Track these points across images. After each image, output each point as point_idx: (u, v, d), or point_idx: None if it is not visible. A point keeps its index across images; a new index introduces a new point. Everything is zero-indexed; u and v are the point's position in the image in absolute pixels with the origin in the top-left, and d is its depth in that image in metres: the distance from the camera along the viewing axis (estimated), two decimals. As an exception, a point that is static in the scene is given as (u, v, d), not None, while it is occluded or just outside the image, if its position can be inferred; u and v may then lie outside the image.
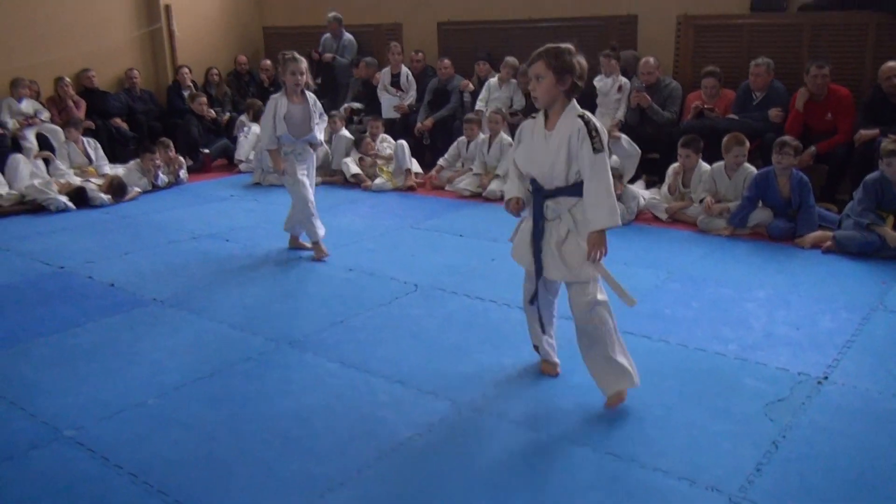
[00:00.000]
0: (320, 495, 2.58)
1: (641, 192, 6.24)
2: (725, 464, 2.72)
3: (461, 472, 2.70)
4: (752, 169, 5.77)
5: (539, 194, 3.12)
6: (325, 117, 5.56)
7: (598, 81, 7.29)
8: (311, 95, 5.25)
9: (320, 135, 5.32)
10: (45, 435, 2.98)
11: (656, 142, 6.88)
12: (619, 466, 2.72)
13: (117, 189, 7.13)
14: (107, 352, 3.77)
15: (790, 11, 6.80)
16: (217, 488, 2.63)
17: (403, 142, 7.54)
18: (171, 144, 7.89)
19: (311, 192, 5.21)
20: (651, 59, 7.03)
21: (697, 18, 7.25)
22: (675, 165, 6.23)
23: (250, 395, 3.30)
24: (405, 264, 5.09)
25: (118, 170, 7.65)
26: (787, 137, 5.55)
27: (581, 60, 2.96)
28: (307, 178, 5.23)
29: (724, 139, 5.85)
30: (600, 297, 3.11)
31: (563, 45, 2.99)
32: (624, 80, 7.24)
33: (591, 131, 2.92)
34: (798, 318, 4.07)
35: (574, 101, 3.02)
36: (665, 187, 6.27)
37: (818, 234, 5.33)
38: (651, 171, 6.89)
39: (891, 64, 5.90)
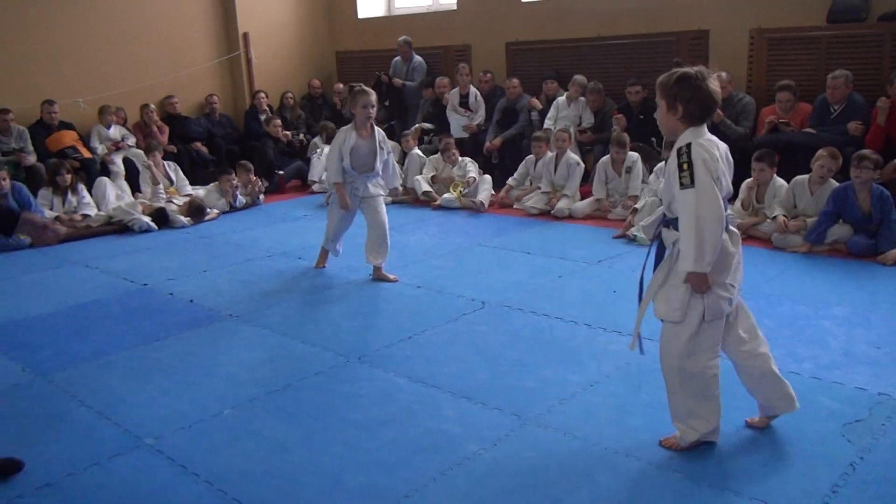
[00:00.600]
0: (387, 506, 2.62)
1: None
2: (800, 485, 2.65)
3: (526, 487, 2.71)
4: (835, 184, 5.60)
5: (664, 221, 2.89)
6: (392, 154, 5.56)
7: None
8: (379, 131, 5.22)
9: (397, 181, 5.24)
10: (127, 443, 3.13)
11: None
12: (690, 486, 2.68)
13: (196, 211, 7.43)
14: (186, 365, 3.93)
15: (869, 21, 6.59)
16: (288, 498, 2.71)
17: (488, 177, 7.62)
18: (251, 167, 8.18)
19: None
20: (723, 74, 6.91)
21: (771, 31, 7.10)
22: (748, 181, 6.09)
23: (321, 407, 3.39)
24: (472, 282, 5.13)
25: (198, 192, 7.97)
26: (866, 150, 5.38)
27: (704, 85, 2.65)
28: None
29: (819, 152, 5.66)
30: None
31: (680, 71, 2.70)
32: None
33: (683, 164, 2.62)
34: (879, 336, 3.92)
35: (697, 128, 2.69)
36: (738, 203, 6.13)
37: (901, 250, 5.13)
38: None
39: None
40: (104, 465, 2.96)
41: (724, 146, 2.76)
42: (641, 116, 7.48)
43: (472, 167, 7.74)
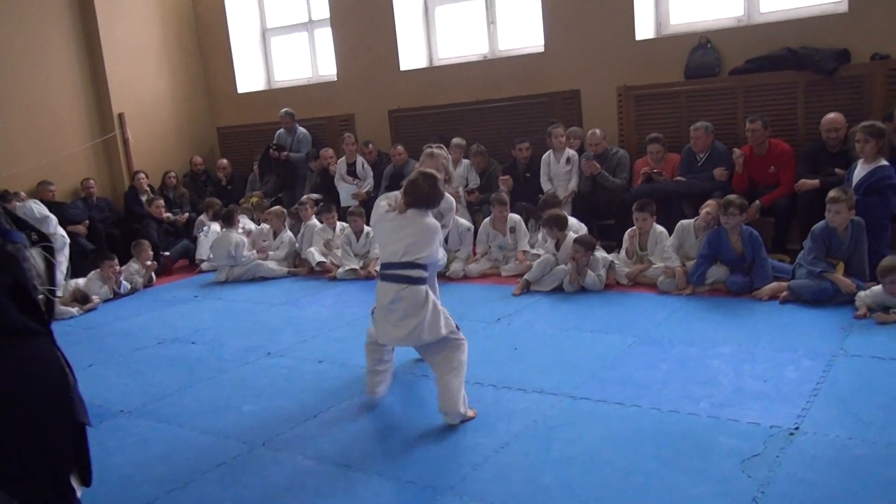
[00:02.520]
0: None
1: (606, 256, 6.33)
2: (709, 526, 2.73)
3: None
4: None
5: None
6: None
7: (547, 157, 7.55)
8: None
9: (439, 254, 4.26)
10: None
11: (610, 208, 7.08)
12: (604, 540, 2.72)
13: (82, 298, 7.07)
14: (76, 471, 3.67)
15: (722, 76, 7.15)
16: None
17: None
18: (148, 244, 7.90)
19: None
20: (597, 131, 7.30)
21: (636, 88, 7.57)
22: (631, 229, 6.39)
23: (226, 503, 3.24)
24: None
25: (79, 281, 7.58)
26: (731, 197, 5.76)
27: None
28: None
29: (708, 200, 5.99)
30: None
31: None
32: (571, 152, 7.49)
33: None
34: (764, 370, 4.15)
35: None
36: (623, 252, 6.41)
37: (774, 285, 5.48)
38: (607, 237, 7.06)
39: (830, 116, 6.20)
40: None
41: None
42: (528, 175, 7.75)
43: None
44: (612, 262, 6.24)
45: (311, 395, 4.40)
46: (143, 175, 9.51)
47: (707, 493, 2.96)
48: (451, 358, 3.82)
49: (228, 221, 7.95)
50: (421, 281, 3.76)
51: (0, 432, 1.76)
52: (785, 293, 5.33)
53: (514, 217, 7.12)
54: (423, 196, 3.82)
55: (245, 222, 8.45)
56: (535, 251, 6.80)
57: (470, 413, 3.80)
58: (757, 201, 6.33)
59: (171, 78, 10.36)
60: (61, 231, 6.32)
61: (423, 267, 3.77)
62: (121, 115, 9.71)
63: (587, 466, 3.25)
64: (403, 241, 3.78)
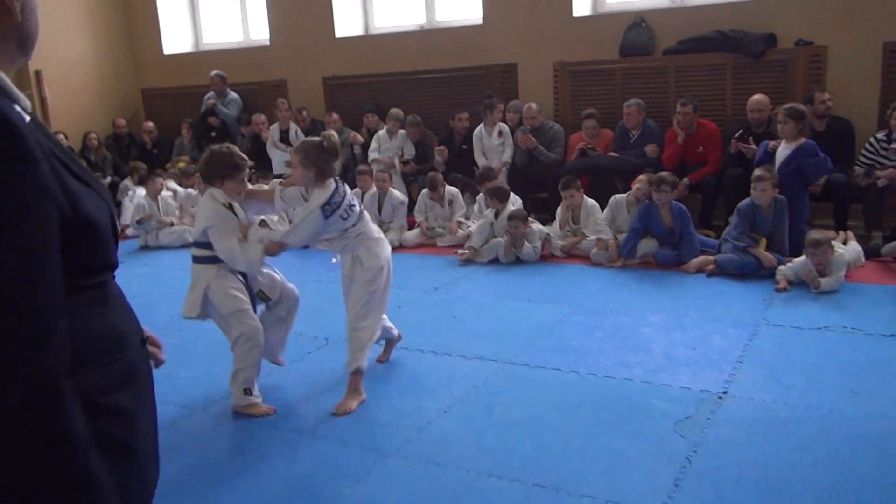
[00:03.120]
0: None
1: (542, 229, 6.43)
2: (646, 483, 2.86)
3: None
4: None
5: None
6: None
7: (479, 131, 7.60)
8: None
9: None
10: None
11: (545, 182, 7.19)
12: (548, 497, 2.80)
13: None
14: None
15: (655, 55, 7.32)
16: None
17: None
18: None
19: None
20: (533, 105, 7.38)
21: (572, 65, 7.68)
22: (563, 203, 6.52)
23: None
24: (313, 318, 5.03)
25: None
26: (663, 174, 5.93)
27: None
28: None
29: (640, 176, 6.13)
30: None
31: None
32: (503, 126, 7.55)
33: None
34: (693, 339, 4.33)
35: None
36: (556, 224, 6.53)
37: (701, 259, 5.70)
38: (542, 210, 7.19)
39: (756, 98, 6.45)
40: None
41: None
42: (464, 147, 7.77)
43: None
44: (547, 234, 6.36)
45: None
46: (62, 136, 9.08)
47: (643, 452, 3.09)
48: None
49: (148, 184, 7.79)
50: (200, 259, 3.67)
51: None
52: (711, 267, 5.55)
53: (452, 190, 7.16)
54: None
55: (172, 185, 8.21)
56: (468, 223, 6.87)
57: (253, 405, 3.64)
58: (685, 179, 6.55)
59: (93, 36, 9.91)
60: None
61: (200, 245, 3.67)
62: (38, 73, 9.25)
63: (529, 429, 3.33)
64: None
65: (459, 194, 7.15)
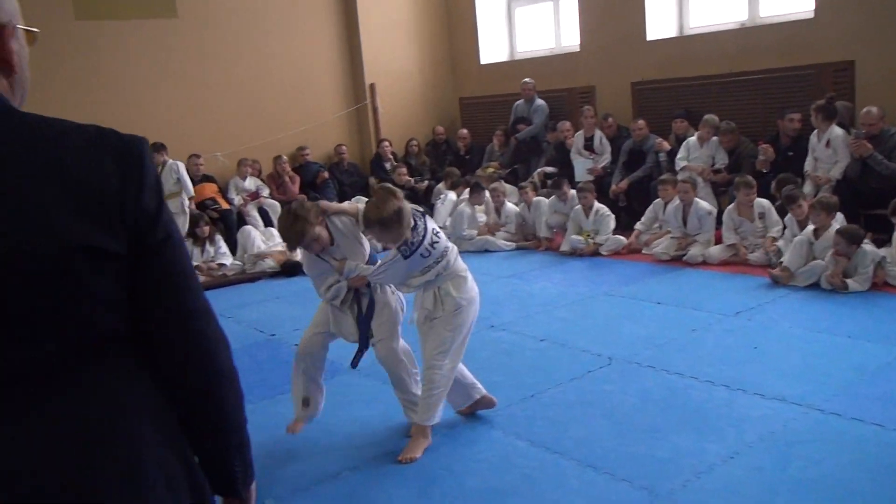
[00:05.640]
0: (506, 590, 2.45)
1: (876, 251, 5.55)
2: None
3: (659, 575, 2.47)
4: None
5: None
6: None
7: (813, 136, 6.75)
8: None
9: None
10: None
11: (882, 196, 6.17)
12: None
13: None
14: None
15: None
16: (402, 573, 2.59)
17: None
18: None
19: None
20: (873, 109, 6.38)
21: (928, 59, 6.51)
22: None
23: (438, 472, 3.27)
24: (599, 335, 4.90)
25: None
26: None
27: None
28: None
29: None
30: None
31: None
32: (838, 130, 6.61)
33: None
34: None
35: None
36: (894, 249, 5.58)
37: None
38: (877, 229, 6.18)
39: None
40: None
41: None
42: (791, 153, 7.00)
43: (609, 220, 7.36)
44: (882, 258, 5.45)
45: (529, 373, 4.33)
46: (387, 143, 9.99)
47: None
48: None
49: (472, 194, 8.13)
50: None
51: None
52: None
53: (764, 203, 6.49)
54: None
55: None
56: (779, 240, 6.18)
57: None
58: None
59: (420, 50, 10.73)
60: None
61: None
62: (372, 86, 10.24)
63: (831, 494, 2.85)
64: None
65: (772, 208, 6.44)
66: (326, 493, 3.16)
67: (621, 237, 7.21)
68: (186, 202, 7.92)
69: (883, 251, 5.58)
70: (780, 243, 6.12)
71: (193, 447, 1.33)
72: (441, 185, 9.27)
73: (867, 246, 5.50)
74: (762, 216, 6.45)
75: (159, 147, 7.79)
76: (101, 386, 1.17)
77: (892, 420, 3.38)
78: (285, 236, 3.62)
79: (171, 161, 8.03)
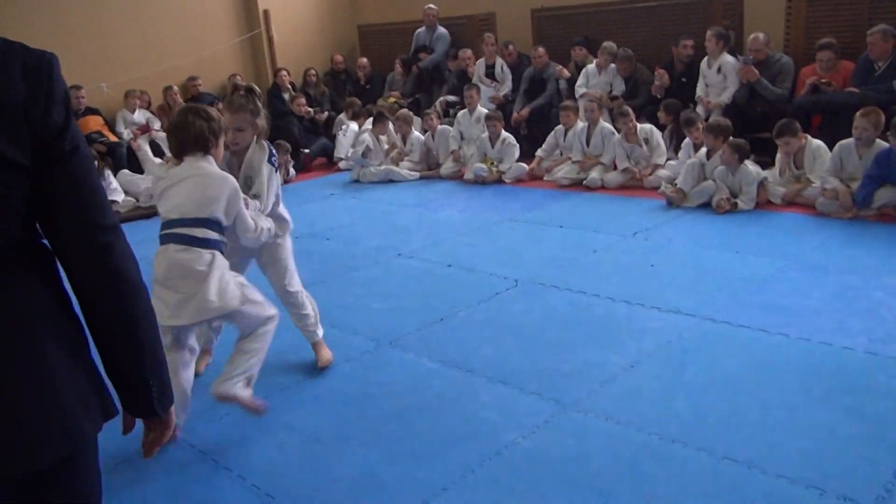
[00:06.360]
0: (424, 501, 2.53)
1: (759, 172, 5.85)
2: (860, 471, 2.50)
3: (568, 478, 2.60)
4: (884, 145, 5.32)
5: None
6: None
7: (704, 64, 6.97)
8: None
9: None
10: (159, 436, 3.07)
11: (768, 120, 6.49)
12: (738, 472, 2.54)
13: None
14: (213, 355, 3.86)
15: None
16: (321, 493, 2.63)
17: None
18: (289, 146, 8.00)
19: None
20: (760, 35, 6.63)
21: (810, -13, 6.78)
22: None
23: (353, 396, 3.30)
24: (505, 259, 5.00)
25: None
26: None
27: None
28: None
29: (857, 113, 5.39)
30: None
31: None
32: (728, 56, 6.85)
33: None
34: (936, 307, 3.73)
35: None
36: (776, 169, 5.90)
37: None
38: (762, 152, 6.51)
39: None
40: (135, 461, 2.90)
41: None
42: (684, 80, 7.20)
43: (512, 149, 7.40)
44: (764, 178, 5.76)
45: (438, 298, 4.38)
46: (285, 72, 9.66)
47: (859, 434, 2.70)
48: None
49: (376, 123, 8.01)
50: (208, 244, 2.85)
51: None
52: (967, 223, 4.74)
53: (646, 128, 6.73)
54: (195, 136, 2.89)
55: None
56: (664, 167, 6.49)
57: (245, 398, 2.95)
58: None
59: (315, -26, 10.33)
60: None
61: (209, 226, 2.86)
62: (266, 12, 9.82)
63: (723, 394, 3.05)
64: (181, 196, 2.88)
65: (657, 132, 6.68)
66: (239, 423, 3.13)
67: (524, 165, 7.30)
68: None
69: (766, 172, 5.89)
70: (671, 164, 6.37)
71: (107, 367, 1.33)
72: (342, 116, 9.09)
73: (751, 166, 5.78)
74: (647, 141, 6.67)
75: None
76: (4, 293, 1.16)
77: (775, 325, 3.63)
78: None
79: None
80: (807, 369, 3.20)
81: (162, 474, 2.80)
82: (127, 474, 2.80)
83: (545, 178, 7.22)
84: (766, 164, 6.22)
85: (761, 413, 2.89)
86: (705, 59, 6.97)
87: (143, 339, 1.32)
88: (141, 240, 6.21)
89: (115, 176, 7.46)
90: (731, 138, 5.84)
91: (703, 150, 6.02)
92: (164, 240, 2.86)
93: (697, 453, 2.67)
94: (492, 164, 7.35)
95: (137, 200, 7.39)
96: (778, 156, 5.92)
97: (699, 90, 7.03)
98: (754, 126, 6.68)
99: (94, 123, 8.20)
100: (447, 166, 7.75)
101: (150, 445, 1.46)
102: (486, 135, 7.45)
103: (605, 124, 6.97)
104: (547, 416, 3.00)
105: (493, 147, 7.41)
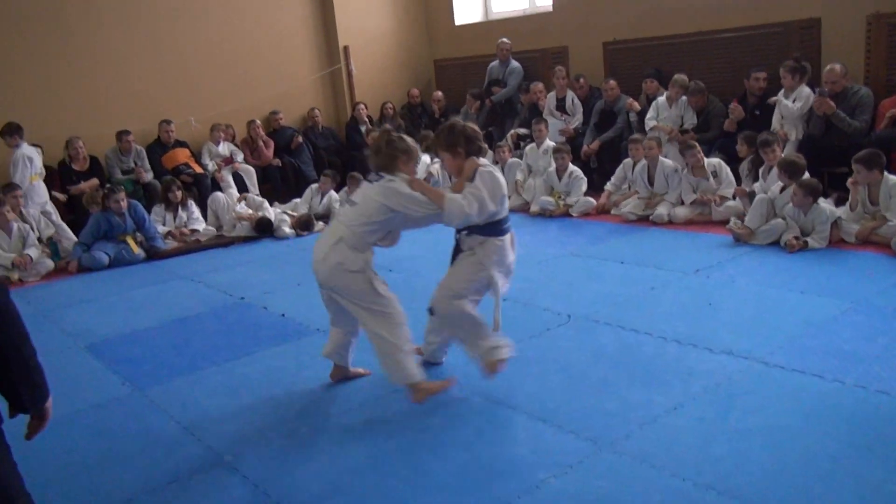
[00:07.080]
0: (448, 536, 2.57)
1: (833, 210, 5.66)
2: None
3: (594, 520, 2.59)
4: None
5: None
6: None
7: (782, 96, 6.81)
8: None
9: None
10: (208, 459, 3.23)
11: (844, 155, 6.27)
12: (770, 524, 2.48)
13: (304, 225, 7.63)
14: (270, 381, 4.02)
15: None
16: (352, 522, 2.71)
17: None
18: (360, 180, 8.21)
19: None
20: (837, 67, 6.44)
21: (891, 17, 6.55)
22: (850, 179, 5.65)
23: (392, 427, 3.38)
24: (561, 293, 5.00)
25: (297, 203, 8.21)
26: None
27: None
28: None
29: None
30: None
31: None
32: (806, 89, 6.67)
33: None
34: None
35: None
36: (847, 204, 5.70)
37: None
38: (839, 187, 6.29)
39: None
40: (183, 483, 3.06)
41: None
42: (757, 112, 7.05)
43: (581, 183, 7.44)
44: (838, 217, 5.57)
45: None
46: (363, 106, 9.96)
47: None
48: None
49: None
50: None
51: None
52: None
53: (714, 161, 6.62)
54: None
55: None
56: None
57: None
58: None
59: (393, 11, 10.63)
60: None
61: None
62: (346, 48, 10.18)
63: (767, 442, 2.97)
64: None
65: (724, 165, 6.56)
66: (284, 449, 3.26)
67: (591, 199, 7.29)
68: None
69: (839, 210, 5.69)
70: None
71: None
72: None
73: (824, 204, 5.60)
74: (715, 174, 6.55)
75: (14, 129, 7.22)
76: None
77: (831, 371, 3.51)
78: None
79: (25, 146, 7.30)
80: (858, 419, 3.08)
81: (205, 499, 2.94)
82: (174, 496, 2.96)
83: (612, 213, 7.17)
84: (844, 199, 6.00)
85: (803, 463, 2.80)
86: (781, 91, 6.81)
87: (20, 364, 1.91)
88: (215, 268, 6.47)
89: (196, 205, 7.87)
90: (805, 175, 5.67)
91: (776, 186, 5.86)
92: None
93: (731, 502, 2.61)
94: (559, 197, 7.37)
95: (219, 229, 7.73)
96: (851, 190, 5.71)
97: (775, 122, 6.86)
98: (831, 160, 6.47)
99: (182, 155, 8.67)
100: (512, 199, 7.79)
101: (31, 431, 2.04)
102: (553, 168, 7.48)
103: (667, 161, 6.89)
104: (582, 455, 2.99)
105: (560, 180, 7.43)
